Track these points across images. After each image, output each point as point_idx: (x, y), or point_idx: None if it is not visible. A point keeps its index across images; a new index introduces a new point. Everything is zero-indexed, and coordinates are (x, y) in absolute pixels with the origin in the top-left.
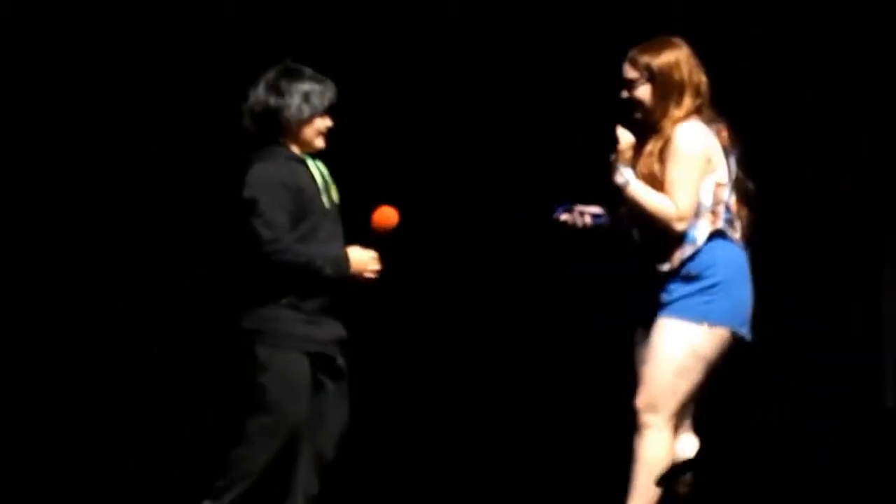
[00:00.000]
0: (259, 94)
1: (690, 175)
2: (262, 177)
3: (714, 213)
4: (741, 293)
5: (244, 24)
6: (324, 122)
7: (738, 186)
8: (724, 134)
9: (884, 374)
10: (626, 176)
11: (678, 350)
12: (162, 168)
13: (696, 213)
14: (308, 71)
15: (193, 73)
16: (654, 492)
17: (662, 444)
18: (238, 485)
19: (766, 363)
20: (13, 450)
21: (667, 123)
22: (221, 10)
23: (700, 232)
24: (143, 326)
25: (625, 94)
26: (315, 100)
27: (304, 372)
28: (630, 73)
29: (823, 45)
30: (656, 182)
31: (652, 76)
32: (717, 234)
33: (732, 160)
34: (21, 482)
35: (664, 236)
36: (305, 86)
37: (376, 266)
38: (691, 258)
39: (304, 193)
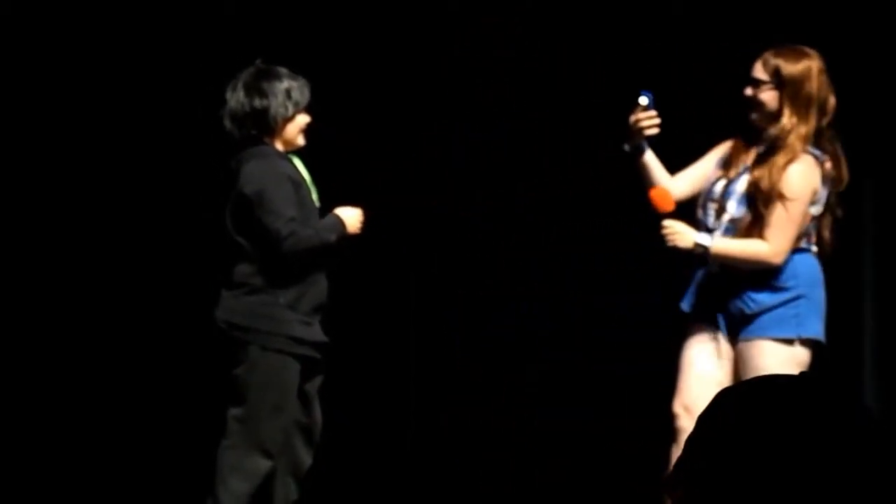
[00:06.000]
0: (240, 97)
1: (796, 216)
2: (265, 172)
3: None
4: (821, 300)
5: (244, 24)
6: (304, 119)
7: (828, 212)
8: (828, 166)
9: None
10: (703, 242)
11: (781, 369)
12: (161, 168)
13: None
14: (283, 70)
15: (193, 73)
16: None
17: None
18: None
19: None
20: (13, 449)
21: (794, 139)
22: (221, 10)
23: None
24: (142, 326)
25: (749, 91)
26: (297, 96)
27: (294, 377)
28: (759, 73)
29: (823, 45)
30: (773, 193)
31: (781, 82)
32: (795, 251)
33: (827, 191)
34: (21, 482)
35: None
36: (285, 84)
37: (361, 217)
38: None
39: (301, 188)
